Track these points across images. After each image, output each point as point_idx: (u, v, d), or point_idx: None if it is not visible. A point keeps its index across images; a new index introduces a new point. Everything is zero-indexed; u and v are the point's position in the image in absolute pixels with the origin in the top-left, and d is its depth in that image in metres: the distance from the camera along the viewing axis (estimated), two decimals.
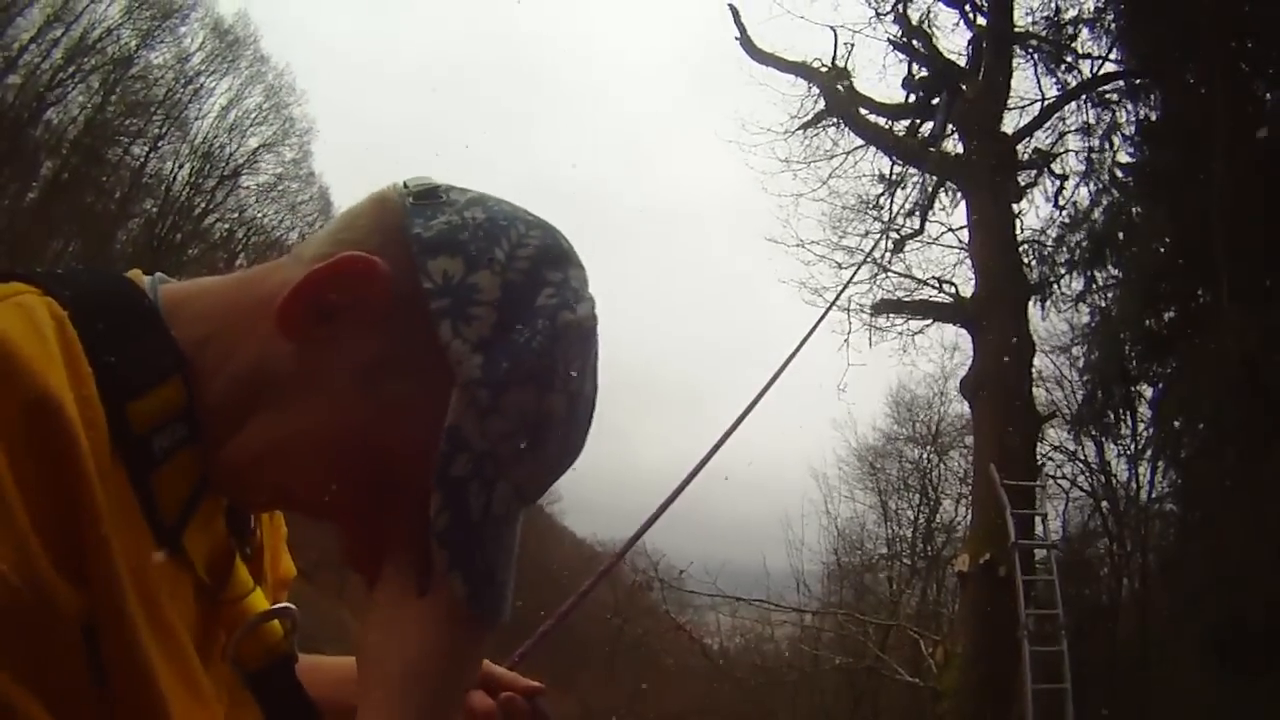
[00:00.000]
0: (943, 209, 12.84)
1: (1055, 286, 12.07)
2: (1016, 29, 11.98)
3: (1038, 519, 9.50)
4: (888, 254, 12.55)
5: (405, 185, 0.79)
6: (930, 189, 12.57)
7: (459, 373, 0.71)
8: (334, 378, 0.72)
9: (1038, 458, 10.83)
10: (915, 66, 12.34)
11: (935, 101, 11.68)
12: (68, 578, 0.58)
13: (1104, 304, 12.07)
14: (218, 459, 0.72)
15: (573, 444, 0.78)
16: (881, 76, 13.64)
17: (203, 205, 27.40)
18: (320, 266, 0.71)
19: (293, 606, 0.83)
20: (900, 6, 12.54)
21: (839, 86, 12.68)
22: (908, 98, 12.45)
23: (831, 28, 12.86)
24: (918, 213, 12.77)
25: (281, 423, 0.72)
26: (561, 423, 0.75)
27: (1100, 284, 11.99)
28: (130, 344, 0.69)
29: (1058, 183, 12.19)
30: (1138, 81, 11.34)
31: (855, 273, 10.53)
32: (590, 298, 0.79)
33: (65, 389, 0.60)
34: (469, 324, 0.71)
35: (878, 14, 12.70)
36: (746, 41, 13.19)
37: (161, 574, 0.67)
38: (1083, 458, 16.03)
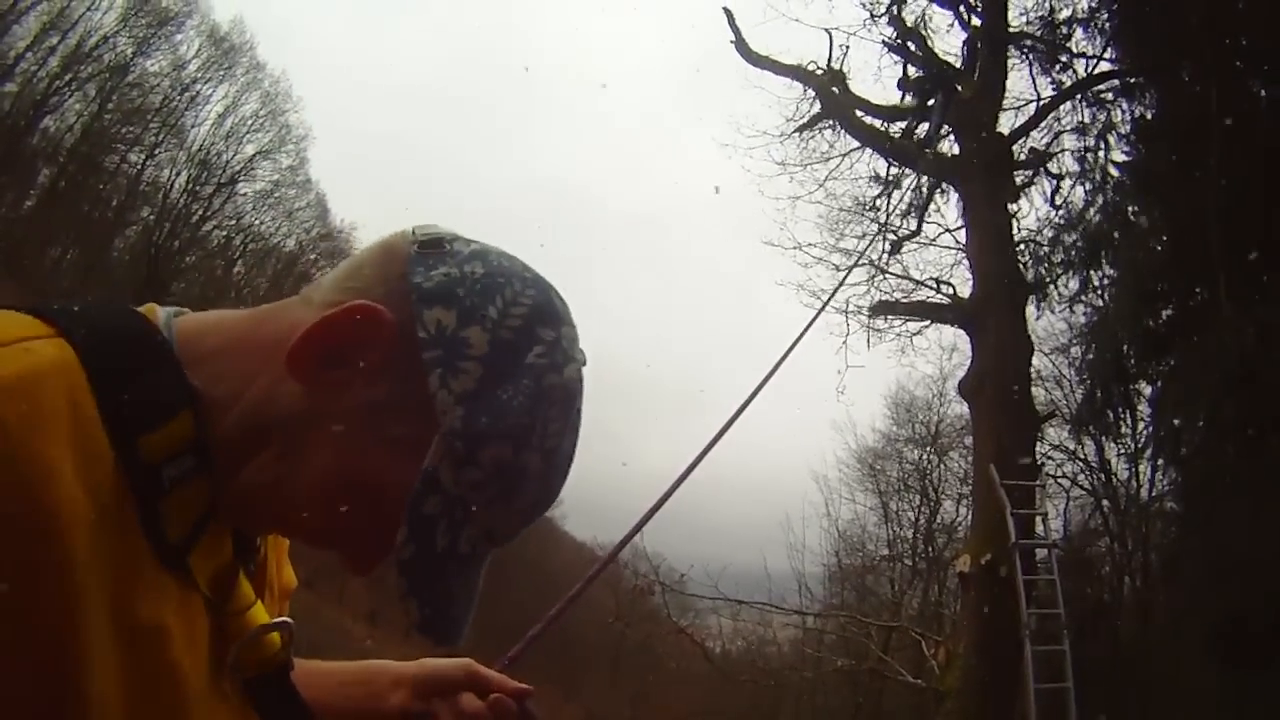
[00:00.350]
0: (938, 210, 12.88)
1: (1053, 286, 12.07)
2: (1011, 29, 11.98)
3: (1038, 518, 9.50)
4: (885, 255, 12.58)
5: (413, 232, 0.83)
6: (927, 190, 12.59)
7: (442, 422, 0.75)
8: (340, 420, 0.76)
9: (1037, 457, 10.81)
10: (910, 68, 12.35)
11: (931, 103, 11.69)
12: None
13: (1101, 303, 12.08)
14: (227, 490, 0.76)
15: (547, 494, 0.82)
16: (877, 78, 13.64)
17: (200, 212, 27.50)
18: (330, 314, 0.76)
19: (290, 620, 0.86)
20: (895, 8, 12.55)
21: (834, 89, 12.70)
22: (903, 98, 12.47)
23: (826, 30, 12.89)
24: (914, 214, 12.80)
25: (289, 460, 0.76)
26: (536, 477, 0.79)
27: (1097, 284, 12.00)
28: (142, 381, 0.72)
29: (1054, 182, 12.19)
30: (1132, 80, 11.34)
31: (848, 273, 10.55)
32: (579, 357, 0.83)
33: (55, 431, 0.63)
34: (456, 377, 0.76)
35: (872, 16, 12.71)
36: (742, 45, 13.21)
37: (167, 593, 0.71)
38: (1082, 457, 16.03)
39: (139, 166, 26.24)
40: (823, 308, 6.34)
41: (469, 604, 0.81)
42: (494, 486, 0.77)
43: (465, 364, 0.76)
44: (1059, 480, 15.82)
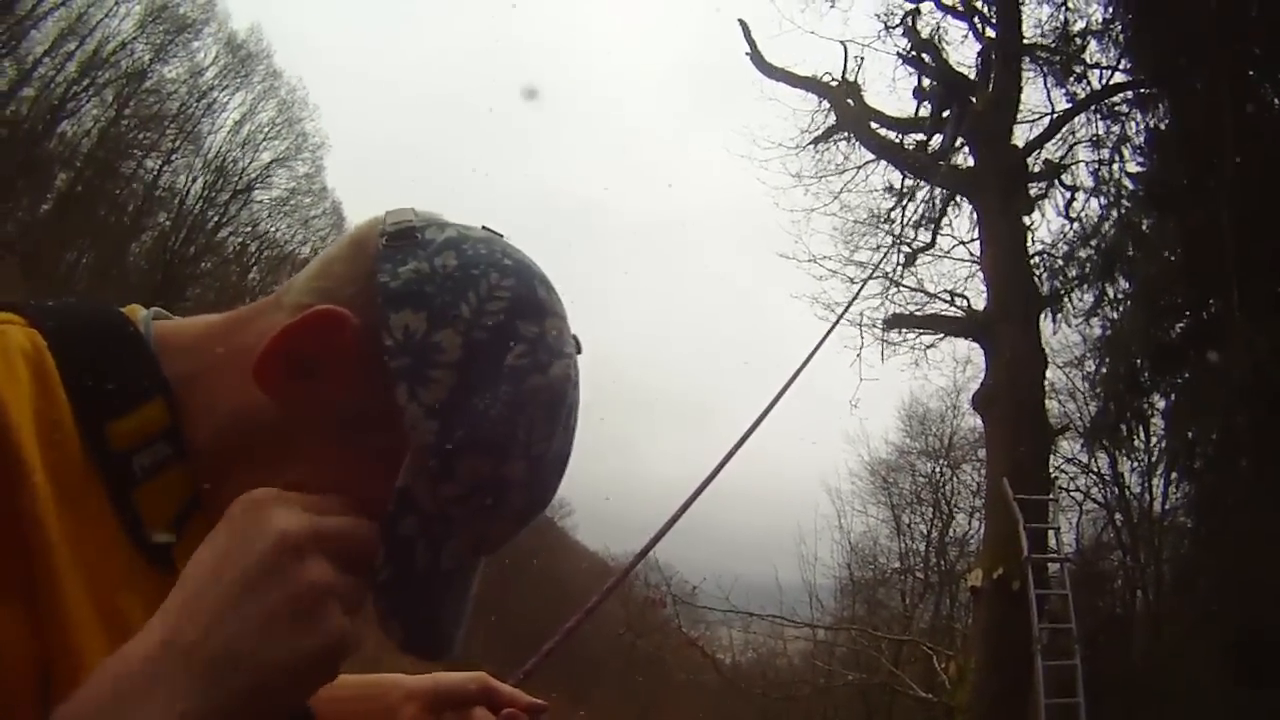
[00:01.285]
0: (951, 223, 12.85)
1: (1067, 299, 12.01)
2: (1025, 41, 11.94)
3: (1051, 532, 9.44)
4: (899, 268, 12.55)
5: (384, 220, 0.78)
6: (941, 203, 12.56)
7: (412, 437, 0.70)
8: (312, 433, 0.73)
9: (1050, 471, 10.76)
10: (925, 80, 12.34)
11: (945, 114, 11.67)
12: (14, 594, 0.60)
13: (1115, 316, 12.02)
14: (215, 506, 0.72)
15: (538, 499, 0.77)
16: (891, 90, 13.59)
17: (216, 219, 27.59)
18: (290, 324, 0.72)
19: None
20: (909, 20, 12.55)
21: (849, 101, 12.69)
22: (918, 109, 12.46)
23: (841, 42, 12.89)
24: (929, 226, 12.77)
25: (270, 475, 0.72)
26: (522, 486, 0.74)
27: (1111, 297, 11.95)
28: (111, 368, 0.70)
29: (1068, 195, 12.15)
30: (1145, 92, 11.30)
31: (864, 285, 10.50)
32: (568, 352, 0.78)
33: (21, 402, 0.62)
34: (427, 387, 0.70)
35: (887, 27, 12.71)
36: (757, 56, 13.21)
37: (139, 587, 0.68)
38: (1096, 470, 15.96)
39: (155, 172, 26.38)
40: (831, 327, 6.28)
41: (459, 615, 0.78)
42: (476, 500, 0.72)
43: (436, 372, 0.70)
44: (1072, 494, 15.78)
